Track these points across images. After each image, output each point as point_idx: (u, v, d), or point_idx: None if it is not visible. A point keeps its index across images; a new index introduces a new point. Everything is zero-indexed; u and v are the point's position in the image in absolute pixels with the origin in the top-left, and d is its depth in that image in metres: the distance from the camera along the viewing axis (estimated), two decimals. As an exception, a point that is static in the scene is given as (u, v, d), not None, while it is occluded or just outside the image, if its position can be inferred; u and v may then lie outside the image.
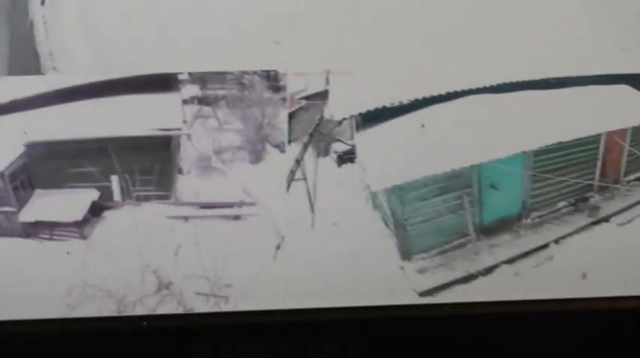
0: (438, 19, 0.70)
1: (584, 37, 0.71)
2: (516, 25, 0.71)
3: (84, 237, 0.74)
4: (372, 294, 0.77)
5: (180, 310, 0.76)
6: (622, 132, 0.75)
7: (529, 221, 0.78)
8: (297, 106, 0.71)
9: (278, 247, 0.75)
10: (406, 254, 0.77)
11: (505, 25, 0.70)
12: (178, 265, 0.75)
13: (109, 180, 0.73)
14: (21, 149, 0.71)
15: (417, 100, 0.71)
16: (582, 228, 0.78)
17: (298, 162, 0.73)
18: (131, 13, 0.68)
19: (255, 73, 0.70)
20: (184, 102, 0.71)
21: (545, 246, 0.77)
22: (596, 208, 0.77)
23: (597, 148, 0.76)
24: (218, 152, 0.73)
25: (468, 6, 0.69)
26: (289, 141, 0.73)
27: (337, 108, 0.72)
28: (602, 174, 0.77)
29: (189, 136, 0.72)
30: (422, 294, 0.77)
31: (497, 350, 0.80)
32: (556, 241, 0.77)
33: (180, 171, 0.73)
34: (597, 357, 0.81)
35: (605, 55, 0.72)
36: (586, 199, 0.78)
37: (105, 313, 0.76)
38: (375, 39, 0.69)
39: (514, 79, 0.72)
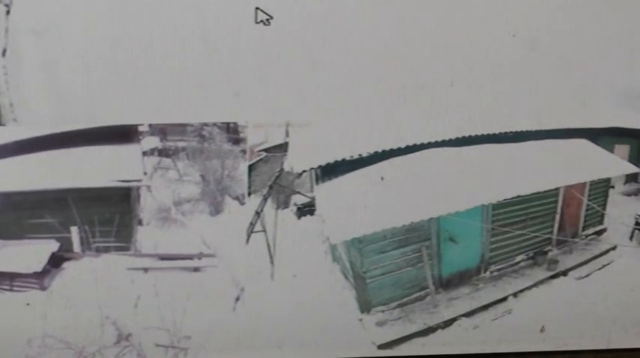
0: (397, 72, 0.68)
1: (543, 91, 0.70)
2: (475, 78, 0.69)
3: (44, 288, 0.73)
4: (332, 346, 0.76)
5: None
6: (581, 186, 0.75)
7: (488, 274, 0.77)
8: (257, 158, 0.70)
9: (237, 299, 0.74)
10: (365, 306, 0.76)
11: (464, 78, 0.69)
12: (138, 316, 0.74)
13: (68, 231, 0.72)
14: None
15: (376, 153, 0.70)
16: (541, 282, 0.76)
17: (258, 214, 0.72)
18: (91, 66, 0.66)
19: (214, 124, 0.69)
20: (144, 153, 0.69)
21: (503, 300, 0.76)
22: (554, 262, 0.76)
23: (556, 202, 0.75)
24: (178, 203, 0.71)
25: (428, 59, 0.68)
26: (249, 194, 0.71)
27: (297, 160, 0.70)
28: (561, 228, 0.76)
29: (149, 188, 0.71)
30: (381, 347, 0.76)
31: None
32: (515, 295, 0.76)
33: (140, 223, 0.72)
34: None
35: (564, 109, 0.71)
36: (545, 253, 0.77)
37: None
38: (334, 91, 0.68)
39: (473, 133, 0.70)
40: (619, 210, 0.75)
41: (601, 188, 0.74)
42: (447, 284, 0.76)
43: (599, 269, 0.76)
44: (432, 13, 0.66)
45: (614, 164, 0.73)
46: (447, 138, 0.70)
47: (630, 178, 0.74)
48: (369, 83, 0.68)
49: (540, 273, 0.76)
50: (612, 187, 0.74)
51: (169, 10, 0.64)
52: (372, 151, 0.70)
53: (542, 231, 0.76)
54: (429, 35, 0.67)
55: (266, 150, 0.70)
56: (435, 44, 0.67)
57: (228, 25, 0.65)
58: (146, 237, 0.72)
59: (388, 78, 0.68)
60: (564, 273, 0.76)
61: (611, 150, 0.73)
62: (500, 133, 0.71)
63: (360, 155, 0.70)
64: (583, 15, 0.67)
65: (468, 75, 0.69)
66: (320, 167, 0.70)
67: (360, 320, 0.75)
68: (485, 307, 0.76)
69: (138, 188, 0.71)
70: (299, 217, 0.72)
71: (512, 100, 0.70)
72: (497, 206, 0.73)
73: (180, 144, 0.70)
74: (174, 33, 0.65)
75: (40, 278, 0.72)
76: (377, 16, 0.66)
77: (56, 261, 0.72)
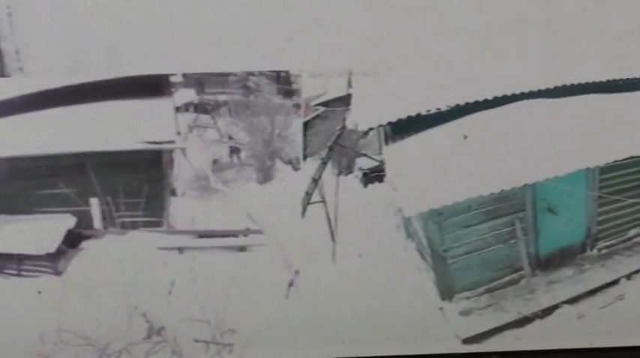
0: (480, 10, 0.58)
1: None
2: (575, 17, 0.58)
3: (58, 273, 0.64)
4: (406, 341, 0.66)
5: None
6: None
7: (595, 252, 0.67)
8: (313, 114, 0.61)
9: (291, 284, 0.65)
10: (447, 292, 0.67)
11: (559, 18, 0.58)
12: (172, 306, 0.65)
13: (87, 204, 0.62)
14: None
15: (457, 106, 0.60)
16: None
17: (315, 181, 0.62)
18: (112, 4, 0.56)
19: (262, 74, 0.59)
20: (178, 109, 0.60)
21: (615, 283, 0.67)
22: None
23: None
24: (218, 170, 0.62)
25: None
26: (304, 157, 0.62)
27: (362, 116, 0.60)
28: None
29: (183, 151, 0.62)
30: (466, 341, 0.67)
31: None
32: (628, 277, 0.67)
33: (173, 193, 0.63)
34: None
35: None
36: None
37: None
38: (406, 33, 0.58)
39: (575, 81, 0.60)
40: None
41: None
42: (545, 264, 0.67)
43: None
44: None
45: None
46: (542, 87, 0.60)
47: None
48: (448, 24, 0.58)
49: None
50: None
51: None
52: (452, 105, 0.60)
53: None
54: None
55: (324, 104, 0.61)
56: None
57: None
58: (181, 210, 0.64)
59: (470, 17, 0.58)
60: None
61: None
62: (608, 81, 0.60)
63: (438, 109, 0.60)
64: None
65: (564, 15, 0.58)
66: (390, 124, 0.61)
67: (441, 308, 0.66)
68: (593, 292, 0.67)
69: (170, 151, 0.62)
70: (365, 185, 0.63)
71: (619, 43, 0.59)
72: (605, 170, 0.64)
73: (221, 97, 0.61)
74: None
75: (53, 260, 0.64)
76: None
77: (73, 240, 0.64)
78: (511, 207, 0.66)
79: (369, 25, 0.59)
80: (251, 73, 0.60)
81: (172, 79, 0.60)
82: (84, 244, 0.65)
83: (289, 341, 0.67)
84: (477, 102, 0.62)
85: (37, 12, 0.57)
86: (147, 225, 0.65)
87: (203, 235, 0.65)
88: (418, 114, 0.61)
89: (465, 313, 0.67)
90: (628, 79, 0.63)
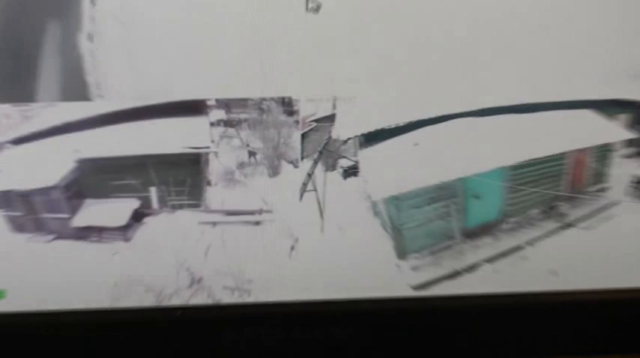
0: (429, 54, 0.67)
1: (555, 69, 0.68)
2: (491, 61, 0.68)
3: (127, 240, 0.72)
4: (373, 288, 0.75)
5: (209, 301, 0.74)
6: (585, 151, 0.73)
7: (506, 226, 0.76)
8: (308, 128, 0.69)
9: (292, 248, 0.73)
10: (401, 254, 0.74)
11: (482, 63, 0.68)
12: (208, 263, 0.73)
13: (148, 191, 0.71)
14: (73, 165, 0.69)
15: (411, 123, 0.69)
16: (552, 232, 0.75)
17: (309, 175, 0.70)
18: (166, 49, 0.65)
19: (272, 99, 0.67)
20: (212, 124, 0.68)
21: (520, 248, 0.75)
22: (563, 215, 0.75)
23: (564, 164, 0.73)
24: (241, 167, 0.70)
25: (456, 40, 0.67)
26: (302, 158, 0.70)
27: (343, 129, 0.69)
28: (569, 186, 0.74)
29: (216, 154, 0.70)
30: (415, 288, 0.75)
31: (478, 335, 0.79)
32: (529, 243, 0.75)
33: (208, 183, 0.71)
34: (564, 342, 0.78)
35: (572, 83, 0.69)
36: (555, 207, 0.75)
37: (145, 304, 0.74)
38: (376, 70, 0.67)
39: (494, 105, 0.69)
40: (620, 170, 0.73)
41: (603, 151, 0.72)
42: (471, 234, 0.75)
43: (602, 221, 0.74)
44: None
45: (614, 131, 0.71)
46: (471, 109, 0.69)
47: (628, 143, 0.72)
48: (405, 63, 0.67)
49: (551, 225, 0.75)
50: (613, 151, 0.73)
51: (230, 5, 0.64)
52: (407, 121, 0.69)
53: (553, 188, 0.74)
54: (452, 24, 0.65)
55: (316, 120, 0.69)
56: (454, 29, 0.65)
57: (281, 15, 0.64)
58: (214, 195, 0.71)
59: (422, 59, 0.66)
60: (572, 225, 0.75)
61: (612, 119, 0.71)
62: (517, 105, 0.69)
63: (397, 124, 0.69)
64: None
65: (486, 60, 0.67)
66: (363, 135, 0.69)
67: (397, 265, 0.74)
68: (504, 254, 0.75)
69: (207, 154, 0.70)
70: (345, 178, 0.71)
71: (526, 77, 0.68)
72: (514, 167, 0.71)
73: (243, 116, 0.69)
74: (235, 24, 0.64)
75: (124, 231, 0.72)
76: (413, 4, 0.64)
77: (137, 216, 0.71)
78: (448, 194, 0.72)
79: (349, 64, 0.66)
80: (264, 99, 0.67)
81: (208, 103, 0.67)
82: (145, 219, 0.72)
83: (291, 287, 0.74)
84: (424, 120, 0.69)
85: (111, 54, 0.64)
86: (190, 206, 0.71)
87: (230, 213, 0.71)
88: (383, 128, 0.69)
89: (415, 269, 0.74)
90: (530, 104, 0.69)
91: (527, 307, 0.76)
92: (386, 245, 0.74)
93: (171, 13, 0.64)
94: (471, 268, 0.75)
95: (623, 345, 0.79)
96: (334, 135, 0.69)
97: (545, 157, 0.72)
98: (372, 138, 0.69)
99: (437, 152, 0.70)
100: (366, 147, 0.70)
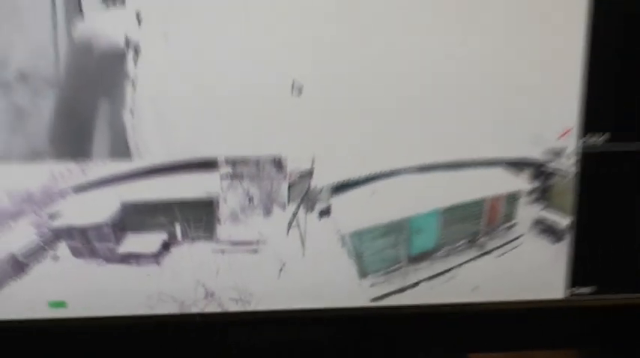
0: (382, 127, 0.74)
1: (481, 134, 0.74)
2: (424, 128, 0.74)
3: (158, 263, 0.79)
4: (341, 300, 0.82)
5: (219, 310, 0.81)
6: (499, 197, 0.79)
7: (440, 253, 0.82)
8: (293, 180, 0.77)
9: (281, 270, 0.80)
10: (362, 274, 0.81)
11: (418, 125, 0.73)
12: (218, 281, 0.80)
13: (174, 227, 0.78)
14: (118, 207, 0.76)
15: (369, 176, 0.76)
16: (474, 258, 0.82)
17: (294, 215, 0.78)
18: (190, 120, 0.72)
19: (266, 157, 0.74)
20: (221, 177, 0.76)
21: (450, 270, 0.82)
22: (483, 245, 0.82)
23: (483, 207, 0.80)
24: (243, 209, 0.78)
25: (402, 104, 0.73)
26: (288, 202, 0.78)
27: (319, 181, 0.77)
28: (487, 223, 0.81)
29: (225, 199, 0.77)
30: (373, 300, 0.83)
31: (420, 335, 0.85)
32: (457, 266, 0.82)
33: (219, 221, 0.78)
34: (486, 340, 0.85)
35: (494, 144, 0.76)
36: (476, 239, 0.82)
37: (171, 311, 0.81)
38: (344, 139, 0.74)
39: (430, 162, 0.76)
40: (525, 211, 0.80)
41: (512, 198, 0.80)
42: (414, 260, 0.81)
43: (510, 249, 0.82)
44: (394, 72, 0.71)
45: (520, 182, 0.79)
46: (413, 164, 0.77)
47: (530, 192, 0.80)
48: (366, 136, 0.75)
49: (474, 252, 0.82)
50: (519, 198, 0.80)
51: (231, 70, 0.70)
52: (366, 175, 0.77)
53: (475, 225, 0.81)
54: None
55: (299, 175, 0.77)
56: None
57: (270, 96, 0.72)
58: (223, 230, 0.78)
59: (376, 131, 0.75)
60: (489, 252, 0.82)
61: (517, 174, 0.78)
62: (448, 162, 0.76)
63: (359, 178, 0.77)
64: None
65: (422, 125, 0.74)
66: (334, 185, 0.78)
67: (359, 283, 0.82)
68: (438, 275, 0.82)
69: (217, 199, 0.78)
70: (320, 217, 0.79)
71: (456, 140, 0.75)
72: (446, 210, 0.79)
73: (245, 170, 0.76)
74: (237, 97, 0.71)
75: (155, 257, 0.79)
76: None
77: (166, 246, 0.79)
78: (397, 230, 0.78)
79: (324, 136, 0.74)
80: (260, 157, 0.75)
81: (218, 159, 0.75)
82: (172, 248, 0.79)
83: (280, 299, 0.81)
84: (379, 174, 0.76)
85: (147, 124, 0.73)
86: (205, 238, 0.78)
87: (235, 244, 0.79)
88: (349, 180, 0.77)
89: (372, 285, 0.82)
90: (458, 162, 0.75)
91: (456, 313, 0.83)
92: (351, 268, 0.80)
93: (191, 92, 0.72)
94: (414, 285, 0.82)
95: (532, 342, 0.86)
96: (312, 185, 0.77)
97: (469, 202, 0.79)
98: (340, 187, 0.77)
99: (389, 198, 0.77)
100: (336, 194, 0.78)
